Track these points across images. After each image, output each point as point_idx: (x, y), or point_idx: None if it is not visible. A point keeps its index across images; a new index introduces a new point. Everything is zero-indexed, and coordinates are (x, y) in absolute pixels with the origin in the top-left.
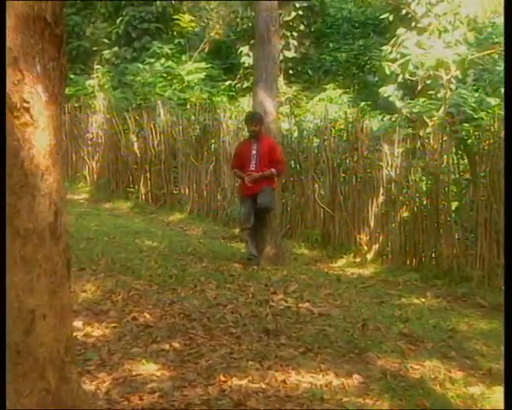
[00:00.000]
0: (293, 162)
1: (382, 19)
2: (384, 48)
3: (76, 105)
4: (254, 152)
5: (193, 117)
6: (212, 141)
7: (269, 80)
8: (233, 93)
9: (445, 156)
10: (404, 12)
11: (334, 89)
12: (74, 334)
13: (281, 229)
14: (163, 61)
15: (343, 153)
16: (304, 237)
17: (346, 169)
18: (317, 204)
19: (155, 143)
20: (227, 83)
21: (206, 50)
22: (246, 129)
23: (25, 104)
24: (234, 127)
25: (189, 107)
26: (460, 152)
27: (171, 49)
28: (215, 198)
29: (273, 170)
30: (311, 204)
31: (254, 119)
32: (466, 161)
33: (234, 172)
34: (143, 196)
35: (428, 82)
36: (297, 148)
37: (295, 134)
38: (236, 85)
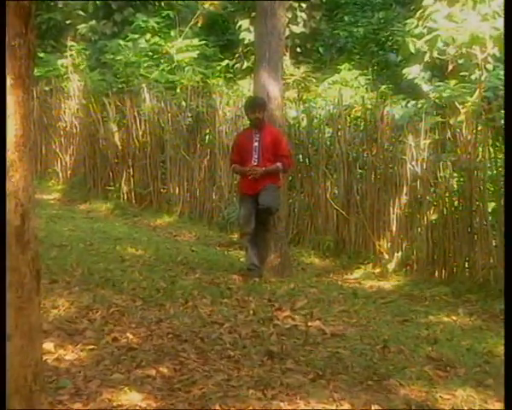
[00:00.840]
0: (301, 156)
1: None
2: (408, 21)
3: (46, 89)
4: (256, 144)
5: (184, 103)
6: (207, 131)
7: (273, 60)
8: (231, 75)
9: (480, 149)
10: None
11: (349, 70)
12: (44, 358)
13: (287, 234)
14: (148, 37)
15: (360, 145)
16: (314, 243)
17: (363, 164)
18: (330, 205)
19: (140, 133)
20: (224, 63)
21: (199, 25)
22: (246, 117)
23: None
24: (232, 115)
25: (179, 91)
26: (498, 144)
27: (157, 23)
28: (210, 198)
29: (278, 165)
30: (323, 205)
31: (256, 105)
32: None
33: (232, 167)
34: (125, 196)
35: (461, 61)
36: (306, 139)
37: (304, 123)
38: (235, 66)
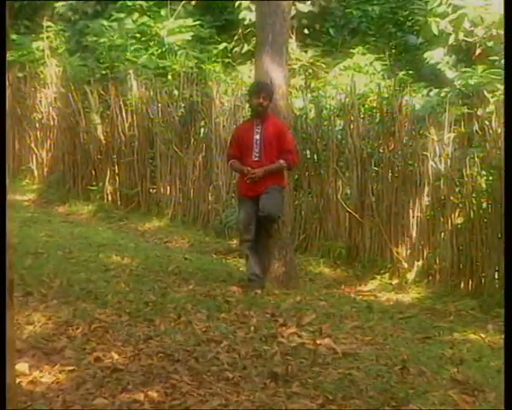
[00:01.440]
0: (308, 152)
1: None
2: None
3: (20, 75)
4: (258, 137)
5: (176, 92)
6: (202, 123)
7: (277, 43)
8: (229, 60)
9: None
10: None
11: (363, 54)
12: (18, 380)
13: (292, 240)
14: (136, 16)
15: (375, 139)
16: (323, 250)
17: (379, 161)
18: (341, 207)
19: (126, 126)
20: (221, 46)
21: (193, 3)
22: (248, 104)
23: None
24: (230, 105)
25: (170, 78)
26: None
27: (146, 0)
28: (205, 199)
29: (281, 162)
30: (333, 207)
31: (262, 90)
32: None
33: (230, 164)
34: (110, 197)
35: (490, 44)
36: (314, 132)
37: (312, 114)
38: (234, 50)
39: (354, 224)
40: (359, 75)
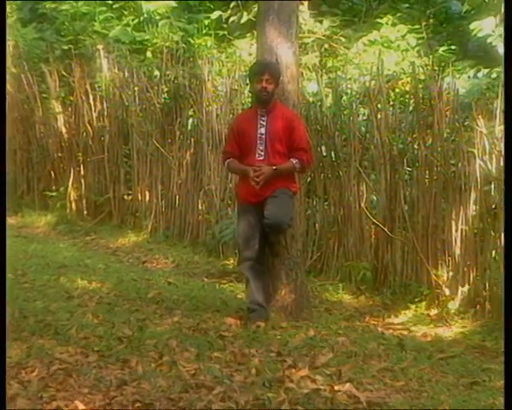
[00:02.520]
0: (324, 148)
1: None
2: None
3: None
4: (263, 131)
5: (157, 72)
6: (190, 113)
7: (284, 11)
8: (224, 32)
9: None
10: None
11: (393, 25)
12: None
13: (304, 260)
14: None
15: (408, 132)
16: (343, 273)
17: (413, 160)
18: (365, 218)
19: (94, 115)
20: (214, 15)
21: None
22: (247, 92)
23: None
24: (226, 89)
25: (150, 55)
26: None
27: None
28: (194, 208)
29: (293, 162)
30: (356, 218)
31: (266, 70)
32: None
33: (227, 164)
34: (74, 205)
35: None
36: (331, 124)
37: (329, 101)
38: (230, 19)
39: (382, 239)
40: (388, 52)
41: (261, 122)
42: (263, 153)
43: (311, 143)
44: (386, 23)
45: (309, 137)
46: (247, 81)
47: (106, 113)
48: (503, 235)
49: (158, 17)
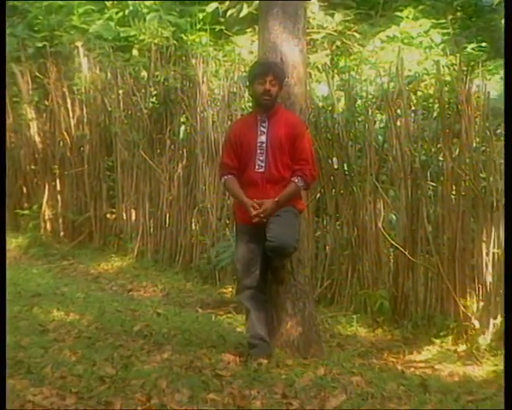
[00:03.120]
0: (336, 160)
1: None
2: None
3: None
4: (263, 139)
5: (144, 73)
6: (182, 119)
7: (290, 3)
8: (221, 28)
9: None
10: None
11: (415, 19)
12: None
13: (313, 288)
14: None
15: (432, 142)
16: (357, 302)
17: (438, 173)
18: (383, 240)
19: (72, 122)
20: (209, 7)
21: None
22: (247, 95)
23: None
24: (223, 92)
25: (136, 53)
26: None
27: None
28: (187, 229)
29: (295, 180)
30: (372, 240)
31: (269, 71)
32: None
33: (225, 182)
34: (49, 225)
35: None
36: (344, 132)
37: (341, 106)
38: (228, 13)
39: (402, 264)
40: (409, 49)
41: (261, 129)
42: (263, 164)
43: (314, 154)
44: (407, 17)
45: (315, 146)
46: (247, 83)
47: (86, 119)
48: None
49: (145, 10)
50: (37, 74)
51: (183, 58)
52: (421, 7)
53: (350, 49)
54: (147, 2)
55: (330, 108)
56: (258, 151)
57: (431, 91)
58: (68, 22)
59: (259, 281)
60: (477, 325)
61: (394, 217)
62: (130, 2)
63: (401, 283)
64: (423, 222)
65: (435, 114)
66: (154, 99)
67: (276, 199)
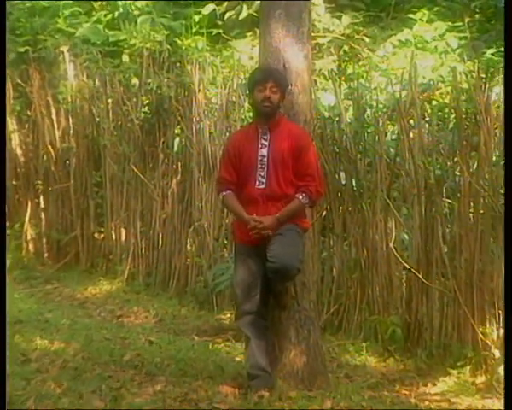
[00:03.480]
0: (343, 175)
1: None
2: None
3: None
4: (264, 152)
5: (136, 81)
6: (177, 130)
7: (294, 4)
8: (219, 31)
9: None
10: None
11: (429, 21)
12: None
13: (319, 313)
14: None
15: (448, 155)
16: (367, 330)
17: (454, 189)
18: (395, 261)
19: (57, 134)
20: (206, 9)
21: None
22: (247, 104)
23: None
24: (221, 102)
25: (127, 59)
26: None
27: None
28: (182, 250)
29: (299, 197)
30: (383, 262)
31: (271, 78)
32: None
33: (224, 198)
34: (32, 246)
35: None
36: (352, 144)
37: (349, 116)
38: (226, 15)
39: (415, 288)
40: (423, 55)
41: (263, 141)
42: (264, 180)
43: (320, 169)
44: (421, 19)
45: (321, 160)
46: (248, 91)
47: (72, 131)
48: None
49: (136, 12)
50: (19, 82)
51: (178, 64)
52: (436, 8)
53: (359, 54)
54: (138, 4)
55: (337, 119)
56: (259, 166)
57: (447, 100)
58: (53, 25)
59: (260, 306)
60: (497, 354)
61: (407, 237)
62: (119, 3)
63: (414, 308)
64: (438, 242)
65: (451, 125)
66: (145, 109)
67: (277, 215)
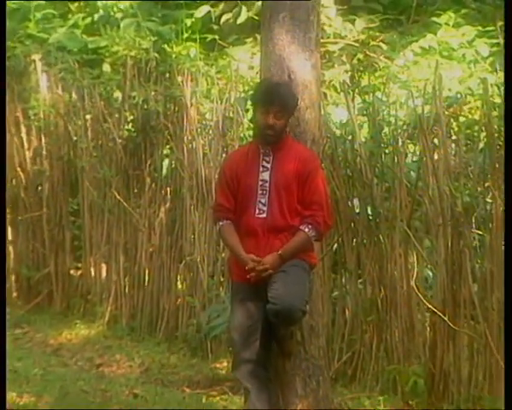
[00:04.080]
0: (357, 202)
1: None
2: None
3: None
4: (266, 176)
5: (119, 94)
6: (166, 151)
7: (300, 7)
8: (215, 37)
9: None
10: None
11: (456, 25)
12: None
13: (329, 362)
14: None
15: (479, 179)
16: (385, 381)
17: (485, 218)
18: (417, 302)
19: (28, 155)
20: (199, 12)
21: None
22: (247, 121)
23: None
24: (217, 118)
25: (108, 69)
26: None
27: None
28: (171, 288)
29: (305, 229)
30: (403, 303)
31: (279, 99)
32: None
33: (221, 228)
34: None
35: None
36: (367, 168)
37: (363, 135)
38: (222, 18)
39: (441, 333)
40: (449, 64)
41: (264, 164)
42: (265, 208)
43: (329, 196)
44: (447, 23)
45: (331, 186)
46: (249, 105)
47: (45, 152)
48: None
49: (119, 15)
50: None
51: (167, 75)
52: (464, 11)
53: (375, 63)
54: (121, 5)
55: (350, 138)
56: (260, 192)
57: (476, 116)
58: (23, 30)
59: (261, 354)
60: None
61: (431, 273)
62: (99, 4)
63: (440, 356)
64: (467, 280)
65: (482, 145)
66: (130, 126)
67: (279, 252)
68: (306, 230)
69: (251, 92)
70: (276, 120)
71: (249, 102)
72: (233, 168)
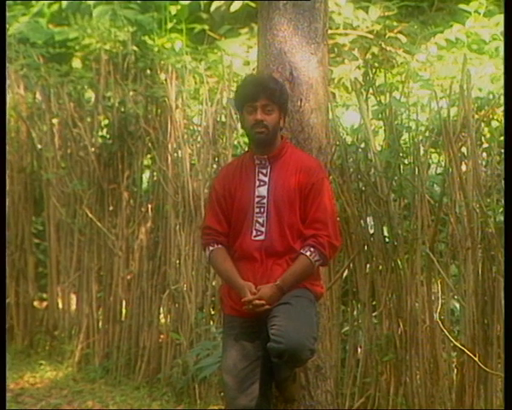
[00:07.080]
0: (371, 221)
1: None
2: None
3: None
4: (264, 191)
5: (91, 94)
6: (146, 161)
7: None
8: (204, 27)
9: None
10: None
11: (487, 15)
12: None
13: (340, 408)
14: None
15: None
16: None
17: None
18: (442, 338)
19: None
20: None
21: None
22: (241, 125)
23: None
24: (206, 123)
25: (79, 65)
26: None
27: None
28: (152, 322)
29: (306, 253)
30: (425, 339)
31: (264, 89)
32: None
33: (211, 254)
34: None
35: None
36: (384, 181)
37: (378, 142)
38: (212, 6)
39: (470, 375)
40: (480, 59)
41: (261, 177)
42: (263, 229)
43: (336, 213)
44: (477, 11)
45: (340, 202)
46: (239, 109)
47: (6, 163)
48: None
49: (91, 1)
50: None
51: (148, 72)
52: None
53: (392, 58)
54: None
55: (363, 146)
56: (256, 210)
57: None
58: None
59: (259, 400)
60: None
61: (458, 305)
62: None
63: (468, 402)
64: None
65: None
66: (104, 132)
67: (276, 282)
68: (308, 253)
69: (232, 98)
70: (266, 115)
71: (234, 109)
72: (225, 185)
